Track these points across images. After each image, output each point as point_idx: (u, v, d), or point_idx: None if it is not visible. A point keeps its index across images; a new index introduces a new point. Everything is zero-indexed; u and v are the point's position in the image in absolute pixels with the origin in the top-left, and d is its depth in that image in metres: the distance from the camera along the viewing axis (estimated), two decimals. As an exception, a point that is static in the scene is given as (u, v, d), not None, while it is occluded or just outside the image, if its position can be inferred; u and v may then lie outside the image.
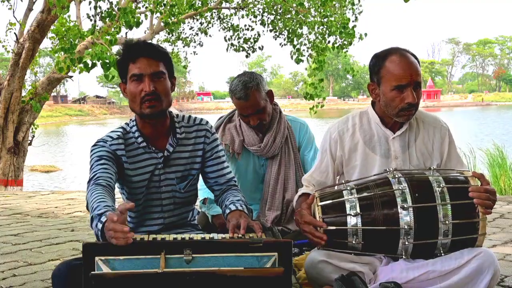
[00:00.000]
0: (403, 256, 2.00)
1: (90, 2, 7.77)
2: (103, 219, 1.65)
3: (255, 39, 12.04)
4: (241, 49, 12.18)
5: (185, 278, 1.57)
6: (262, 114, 2.76)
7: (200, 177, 2.26)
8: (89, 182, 1.92)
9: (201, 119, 2.21)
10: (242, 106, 2.74)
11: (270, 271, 1.59)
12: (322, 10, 10.00)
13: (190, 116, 2.21)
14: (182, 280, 1.57)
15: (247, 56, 12.25)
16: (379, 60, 2.15)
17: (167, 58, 2.06)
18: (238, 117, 2.90)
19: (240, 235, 1.79)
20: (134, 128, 2.10)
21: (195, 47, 13.27)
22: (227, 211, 2.03)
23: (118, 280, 1.55)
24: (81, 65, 7.31)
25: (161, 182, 2.12)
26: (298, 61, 10.96)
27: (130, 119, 2.14)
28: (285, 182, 2.88)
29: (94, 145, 2.06)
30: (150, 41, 2.00)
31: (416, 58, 2.16)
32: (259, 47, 12.11)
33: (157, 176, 2.11)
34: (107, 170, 1.96)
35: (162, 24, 11.21)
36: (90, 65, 7.14)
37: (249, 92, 2.69)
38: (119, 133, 2.08)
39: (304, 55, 11.00)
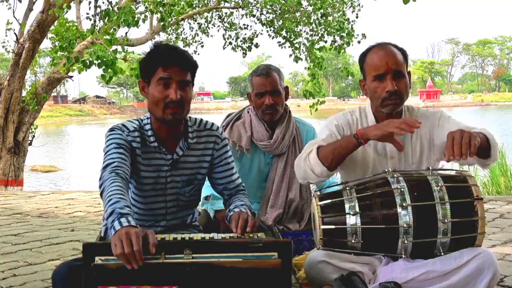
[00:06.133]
0: (403, 256, 2.00)
1: (90, 2, 7.79)
2: (124, 222, 1.62)
3: (252, 38, 12.05)
4: (238, 48, 12.19)
5: (185, 269, 1.60)
6: (277, 97, 2.81)
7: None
8: (106, 167, 1.89)
9: (212, 124, 2.21)
10: (261, 82, 2.80)
11: (268, 262, 1.64)
12: (321, 10, 10.00)
13: (202, 120, 2.20)
14: (182, 271, 1.60)
15: (244, 55, 12.26)
16: (363, 57, 2.23)
17: (195, 69, 2.07)
18: (248, 113, 2.94)
19: (238, 235, 1.83)
20: (148, 126, 2.09)
21: (196, 47, 13.26)
22: (230, 213, 2.05)
23: (119, 271, 1.57)
24: (80, 64, 7.29)
25: (167, 184, 2.12)
26: (296, 59, 10.99)
27: (145, 116, 2.13)
28: (290, 181, 2.90)
29: (111, 130, 2.05)
30: (182, 49, 2.09)
31: (401, 51, 2.18)
32: (255, 45, 12.14)
33: (163, 178, 2.11)
34: (125, 161, 1.94)
35: (160, 23, 11.19)
36: (88, 63, 7.13)
37: (270, 72, 2.82)
38: (135, 126, 2.08)
39: (302, 54, 11.02)
